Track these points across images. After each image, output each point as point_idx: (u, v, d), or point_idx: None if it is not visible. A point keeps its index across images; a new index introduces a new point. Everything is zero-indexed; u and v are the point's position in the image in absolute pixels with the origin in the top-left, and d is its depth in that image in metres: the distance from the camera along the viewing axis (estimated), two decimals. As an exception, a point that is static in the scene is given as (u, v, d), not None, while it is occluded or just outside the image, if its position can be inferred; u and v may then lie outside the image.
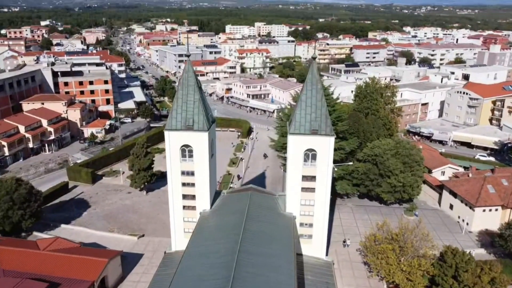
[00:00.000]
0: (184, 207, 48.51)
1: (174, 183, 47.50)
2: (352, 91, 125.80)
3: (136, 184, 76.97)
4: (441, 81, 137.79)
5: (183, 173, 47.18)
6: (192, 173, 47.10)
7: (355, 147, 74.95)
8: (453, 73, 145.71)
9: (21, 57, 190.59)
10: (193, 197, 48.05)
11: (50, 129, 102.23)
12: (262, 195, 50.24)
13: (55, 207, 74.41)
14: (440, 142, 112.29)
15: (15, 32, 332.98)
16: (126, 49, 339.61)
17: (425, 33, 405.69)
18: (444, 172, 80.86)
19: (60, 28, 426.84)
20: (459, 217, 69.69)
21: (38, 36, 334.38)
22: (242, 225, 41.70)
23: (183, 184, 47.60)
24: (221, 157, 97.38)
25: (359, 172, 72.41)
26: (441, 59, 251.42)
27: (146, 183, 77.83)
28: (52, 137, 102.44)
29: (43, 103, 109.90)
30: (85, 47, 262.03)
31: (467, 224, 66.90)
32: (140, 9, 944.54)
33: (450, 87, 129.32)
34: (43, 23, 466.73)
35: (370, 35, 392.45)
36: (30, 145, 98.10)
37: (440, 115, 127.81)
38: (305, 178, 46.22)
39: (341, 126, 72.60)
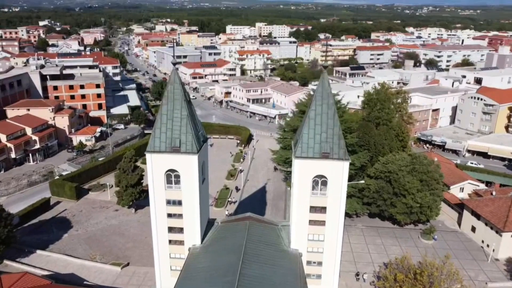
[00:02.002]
0: (170, 241, 41.11)
1: (158, 214, 40.16)
2: (358, 96, 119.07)
3: (123, 202, 69.67)
4: (452, 85, 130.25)
5: (168, 202, 39.84)
6: (180, 203, 39.77)
7: (366, 162, 67.64)
8: (464, 76, 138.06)
9: (14, 58, 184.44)
10: (180, 230, 40.67)
11: (35, 137, 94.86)
12: (262, 226, 42.84)
13: (34, 227, 67.13)
14: (453, 151, 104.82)
15: (10, 33, 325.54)
16: (124, 50, 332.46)
17: (429, 34, 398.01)
18: (463, 188, 73.40)
19: (58, 29, 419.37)
20: (483, 241, 62.30)
21: (34, 37, 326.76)
22: (238, 269, 34.43)
23: (169, 215, 40.24)
24: (218, 169, 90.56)
25: (371, 190, 65.11)
26: (447, 61, 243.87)
27: (134, 200, 70.54)
28: (37, 146, 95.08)
29: (28, 109, 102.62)
30: (82, 48, 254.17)
31: (493, 250, 59.48)
32: (141, 9, 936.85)
33: (462, 91, 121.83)
34: (41, 23, 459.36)
35: (373, 35, 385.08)
36: (13, 155, 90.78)
37: (452, 121, 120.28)
38: (313, 209, 38.90)
39: (350, 139, 65.40)
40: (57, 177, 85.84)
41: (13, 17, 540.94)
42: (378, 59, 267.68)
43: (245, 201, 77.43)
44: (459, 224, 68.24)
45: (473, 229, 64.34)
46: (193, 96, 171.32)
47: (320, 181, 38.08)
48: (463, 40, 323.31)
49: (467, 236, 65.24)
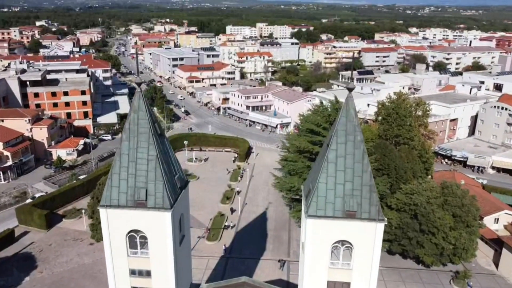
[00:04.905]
0: (137, 322, 30.54)
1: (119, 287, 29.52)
2: (368, 105, 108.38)
3: (98, 236, 59.07)
4: (470, 92, 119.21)
5: (133, 272, 29.19)
6: (148, 273, 29.10)
7: (385, 191, 56.89)
8: (482, 82, 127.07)
9: (1, 60, 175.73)
10: (150, 308, 30.05)
11: (7, 153, 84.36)
12: (261, 298, 32.32)
13: (-9, 268, 56.62)
14: (472, 167, 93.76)
15: (2, 33, 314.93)
16: (121, 51, 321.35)
17: (434, 35, 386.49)
18: (498, 219, 62.64)
19: (54, 29, 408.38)
20: (529, 290, 51.66)
21: (28, 38, 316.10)
22: None
23: (134, 290, 29.65)
24: (213, 190, 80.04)
25: (392, 225, 54.41)
26: (457, 63, 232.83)
27: (112, 233, 59.81)
28: (10, 163, 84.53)
29: (2, 120, 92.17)
30: (77, 49, 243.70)
31: (544, 303, 48.84)
32: (141, 9, 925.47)
33: (483, 99, 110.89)
34: (38, 23, 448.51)
35: (377, 36, 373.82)
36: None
37: (471, 133, 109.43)
38: (332, 284, 28.25)
39: (367, 164, 54.54)
40: (30, 200, 75.38)
41: (11, 17, 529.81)
42: (383, 61, 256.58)
43: (243, 231, 66.77)
44: (496, 264, 57.57)
45: (516, 273, 53.72)
46: (181, 96, 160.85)
47: (342, 248, 27.35)
48: (471, 41, 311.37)
49: (507, 282, 54.54)
